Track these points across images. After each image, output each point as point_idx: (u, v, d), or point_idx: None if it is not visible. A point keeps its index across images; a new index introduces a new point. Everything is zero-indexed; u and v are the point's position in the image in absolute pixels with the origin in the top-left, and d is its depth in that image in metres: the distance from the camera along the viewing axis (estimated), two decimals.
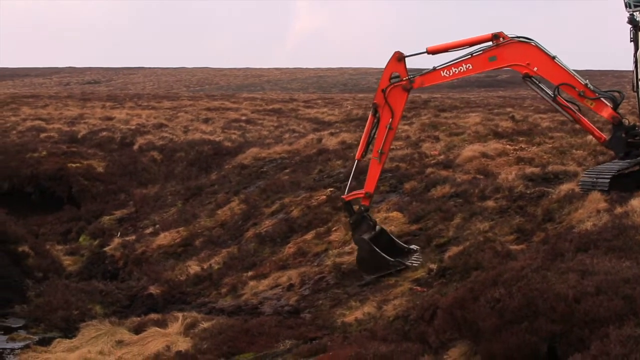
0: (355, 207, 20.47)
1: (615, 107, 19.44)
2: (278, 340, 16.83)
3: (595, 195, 19.05)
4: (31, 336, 21.65)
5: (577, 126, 24.00)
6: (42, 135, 47.31)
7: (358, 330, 16.62)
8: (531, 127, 36.31)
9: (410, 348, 13.26)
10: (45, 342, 20.14)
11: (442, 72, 19.67)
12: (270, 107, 63.02)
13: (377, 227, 20.71)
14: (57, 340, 19.64)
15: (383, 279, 19.59)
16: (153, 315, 20.84)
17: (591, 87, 19.23)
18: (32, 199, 37.93)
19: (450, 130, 37.54)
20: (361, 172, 21.11)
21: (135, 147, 44.87)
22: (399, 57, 19.83)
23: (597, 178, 19.79)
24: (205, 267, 25.16)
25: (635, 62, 19.83)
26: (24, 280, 25.41)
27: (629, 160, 19.65)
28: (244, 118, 55.72)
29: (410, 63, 19.93)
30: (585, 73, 20.89)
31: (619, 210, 17.27)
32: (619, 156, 20.07)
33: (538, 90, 19.76)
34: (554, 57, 19.16)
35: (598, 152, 26.61)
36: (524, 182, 23.42)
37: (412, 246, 21.04)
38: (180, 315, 19.74)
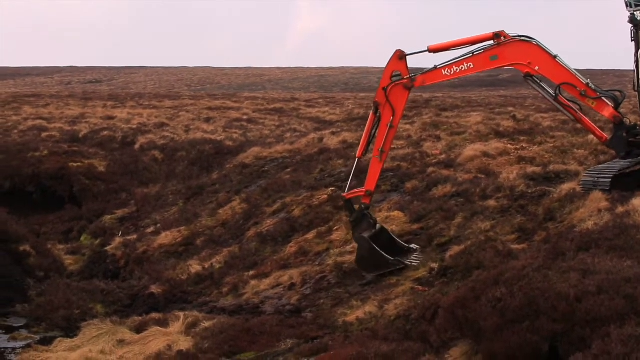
0: (357, 207, 20.49)
1: (617, 107, 19.42)
2: (279, 339, 16.85)
3: (597, 194, 19.05)
4: (32, 335, 21.69)
5: (579, 125, 23.99)
6: (44, 134, 47.28)
7: (359, 329, 16.63)
8: (532, 126, 36.28)
9: (411, 347, 13.27)
10: (46, 342, 20.18)
11: (443, 70, 19.66)
12: (272, 106, 62.97)
13: (378, 226, 20.72)
14: (59, 339, 19.65)
15: (384, 278, 19.59)
16: (154, 315, 20.84)
17: (592, 86, 19.21)
18: (33, 198, 37.92)
19: (452, 129, 37.51)
20: (362, 171, 21.11)
21: (137, 146, 44.84)
22: (400, 56, 19.83)
23: (598, 177, 19.78)
24: (206, 266, 25.16)
25: (636, 61, 19.81)
26: (25, 280, 25.44)
27: (630, 160, 19.63)
28: (245, 117, 55.68)
29: (411, 63, 19.95)
30: (586, 72, 20.89)
31: (620, 209, 17.28)
32: (620, 156, 20.06)
33: (539, 90, 19.73)
34: (555, 56, 19.15)
35: (599, 151, 26.60)
36: (525, 182, 23.41)
37: (412, 245, 21.04)
38: (181, 314, 19.75)
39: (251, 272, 23.31)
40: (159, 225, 31.52)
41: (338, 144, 36.53)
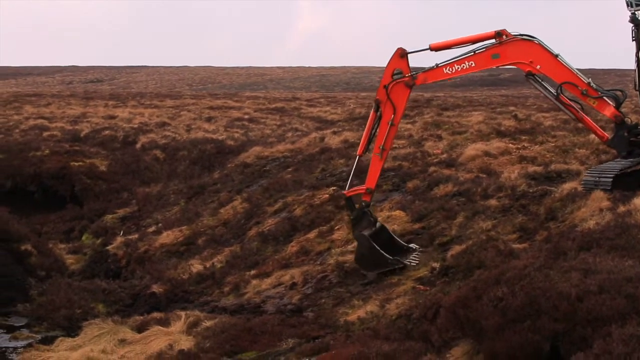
0: (358, 206, 20.51)
1: (618, 106, 19.40)
2: (281, 339, 16.85)
3: (598, 194, 19.05)
4: (34, 335, 21.68)
5: (580, 125, 24.01)
6: (45, 134, 47.30)
7: (361, 329, 16.62)
8: (534, 126, 36.27)
9: (413, 347, 13.27)
10: (47, 341, 20.17)
11: (444, 69, 19.65)
12: (273, 105, 62.98)
13: (378, 224, 20.74)
14: (60, 338, 19.66)
15: (385, 277, 19.59)
16: (156, 314, 20.86)
17: (594, 85, 19.20)
18: (34, 198, 37.96)
19: (453, 129, 37.51)
20: (363, 171, 21.09)
21: (138, 145, 44.87)
22: (402, 54, 19.82)
23: (599, 177, 19.77)
24: (207, 265, 25.17)
25: (637, 61, 19.79)
26: (26, 279, 25.43)
27: (631, 159, 19.63)
28: (246, 117, 55.69)
29: (412, 63, 19.95)
30: (587, 72, 20.85)
31: (621, 209, 17.27)
32: (621, 155, 20.05)
33: (541, 89, 19.72)
34: (556, 55, 19.13)
35: (601, 151, 26.60)
36: (526, 181, 23.41)
37: (411, 245, 21.05)
38: (182, 314, 19.76)
39: (252, 272, 23.31)
40: (160, 224, 31.53)
41: (339, 143, 36.54)
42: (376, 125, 20.06)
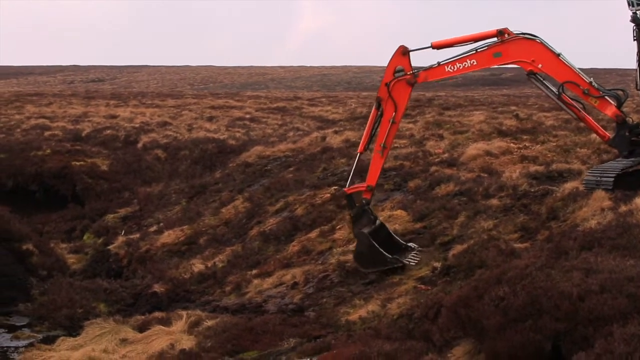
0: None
1: (619, 106, 19.39)
2: (282, 338, 16.84)
3: (600, 193, 19.03)
4: (35, 334, 21.68)
5: (581, 124, 24.00)
6: (46, 133, 47.34)
7: (362, 328, 16.62)
8: (535, 125, 36.27)
9: (414, 346, 13.27)
10: (49, 341, 20.18)
11: (446, 67, 19.62)
12: (275, 105, 63.00)
13: (377, 222, 20.74)
14: (61, 338, 19.66)
15: (387, 277, 19.58)
16: (157, 314, 20.85)
17: (595, 85, 19.18)
18: (36, 197, 37.99)
19: (455, 128, 37.51)
20: (364, 170, 21.08)
21: (140, 145, 44.90)
22: (404, 51, 19.79)
23: (601, 177, 19.76)
24: (209, 265, 25.17)
25: (639, 60, 19.81)
26: (28, 279, 25.43)
27: (632, 159, 19.62)
28: (248, 116, 55.72)
29: (414, 61, 19.94)
30: (589, 71, 20.86)
31: (623, 208, 17.27)
32: (622, 155, 20.04)
33: (543, 88, 19.70)
34: (558, 55, 19.12)
35: (602, 150, 26.60)
36: (528, 181, 23.40)
37: (410, 243, 21.05)
38: (184, 313, 19.76)
39: (254, 271, 23.31)
40: (161, 224, 31.52)
41: (341, 142, 36.53)
42: (377, 123, 20.06)
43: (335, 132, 40.35)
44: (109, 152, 43.29)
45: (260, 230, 26.95)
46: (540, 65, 19.12)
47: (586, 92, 19.10)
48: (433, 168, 27.68)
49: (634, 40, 19.78)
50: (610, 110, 19.34)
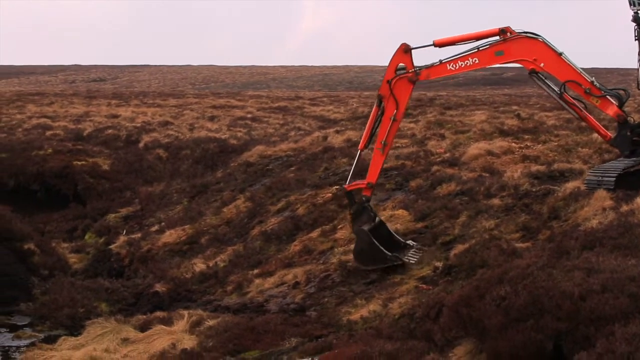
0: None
1: (621, 105, 19.37)
2: (284, 338, 16.85)
3: (601, 193, 19.02)
4: (37, 334, 21.67)
5: (583, 124, 23.98)
6: (48, 133, 47.34)
7: (363, 328, 16.63)
8: (537, 125, 36.25)
9: (415, 346, 13.27)
10: (50, 340, 20.17)
11: (448, 65, 19.60)
12: (276, 104, 63.00)
13: (377, 219, 20.75)
14: (63, 337, 19.64)
15: (388, 276, 19.58)
16: (159, 313, 20.85)
17: (597, 84, 19.16)
18: (37, 197, 37.96)
19: (456, 128, 37.50)
20: (365, 169, 21.06)
21: (141, 144, 44.90)
22: (406, 49, 19.77)
23: (602, 176, 19.74)
24: (210, 265, 25.17)
25: None
26: (29, 278, 25.42)
27: (634, 159, 19.60)
28: (249, 116, 55.71)
29: (416, 60, 19.92)
30: (590, 71, 20.81)
31: (624, 208, 17.26)
32: (624, 154, 20.01)
33: (544, 87, 19.68)
34: (560, 54, 19.10)
35: (603, 150, 26.58)
36: (529, 180, 23.40)
37: (409, 241, 21.05)
38: (185, 313, 19.76)
39: (255, 271, 23.31)
40: (163, 223, 31.53)
41: (342, 142, 36.52)
42: (378, 121, 20.06)
43: (337, 132, 40.34)
44: (111, 152, 43.30)
45: (262, 229, 26.95)
46: (542, 64, 19.10)
47: (588, 91, 19.08)
48: (434, 168, 27.68)
49: (635, 39, 19.75)
50: (612, 110, 19.32)
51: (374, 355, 12.93)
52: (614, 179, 19.26)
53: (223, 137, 45.64)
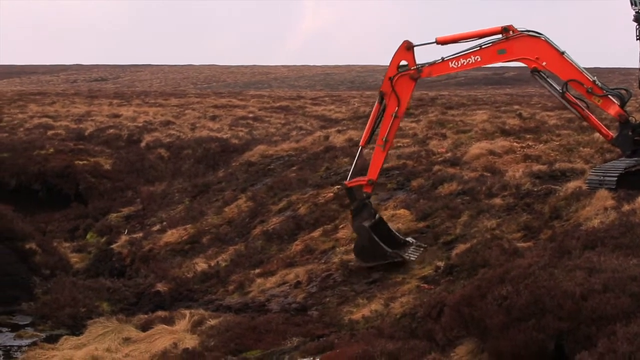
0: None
1: (623, 105, 19.38)
2: (285, 337, 16.83)
3: (603, 192, 19.01)
4: (38, 333, 21.67)
5: (584, 124, 23.98)
6: (50, 132, 47.38)
7: (365, 327, 16.63)
8: (538, 124, 36.23)
9: (417, 345, 13.27)
10: (52, 340, 20.17)
11: (450, 63, 19.59)
12: (278, 104, 63.02)
13: (377, 216, 20.75)
14: (64, 337, 19.64)
15: (390, 276, 19.58)
16: (160, 313, 20.84)
17: (599, 84, 19.18)
18: (39, 196, 37.99)
19: (458, 127, 37.48)
20: (365, 168, 21.06)
21: (143, 144, 44.92)
22: (408, 46, 19.75)
23: (604, 176, 19.74)
24: (212, 264, 25.16)
25: None
26: (31, 278, 25.42)
27: (636, 158, 19.60)
28: (251, 115, 55.73)
29: (418, 58, 19.91)
30: (592, 70, 20.84)
31: (626, 207, 17.26)
32: (625, 154, 20.02)
33: (546, 86, 19.69)
34: (562, 53, 19.12)
35: (605, 149, 26.59)
36: (531, 180, 23.39)
37: (409, 239, 21.05)
38: (187, 312, 19.76)
39: (257, 270, 23.31)
40: (164, 223, 31.52)
41: (344, 142, 36.51)
42: (380, 118, 20.05)
43: (339, 131, 40.32)
44: (112, 151, 43.33)
45: (263, 229, 26.94)
46: (544, 63, 19.11)
47: (590, 90, 19.10)
48: (436, 167, 27.67)
49: (637, 39, 19.76)
50: (614, 110, 19.33)
51: (375, 354, 12.93)
52: (616, 178, 19.25)
53: (225, 136, 45.67)
